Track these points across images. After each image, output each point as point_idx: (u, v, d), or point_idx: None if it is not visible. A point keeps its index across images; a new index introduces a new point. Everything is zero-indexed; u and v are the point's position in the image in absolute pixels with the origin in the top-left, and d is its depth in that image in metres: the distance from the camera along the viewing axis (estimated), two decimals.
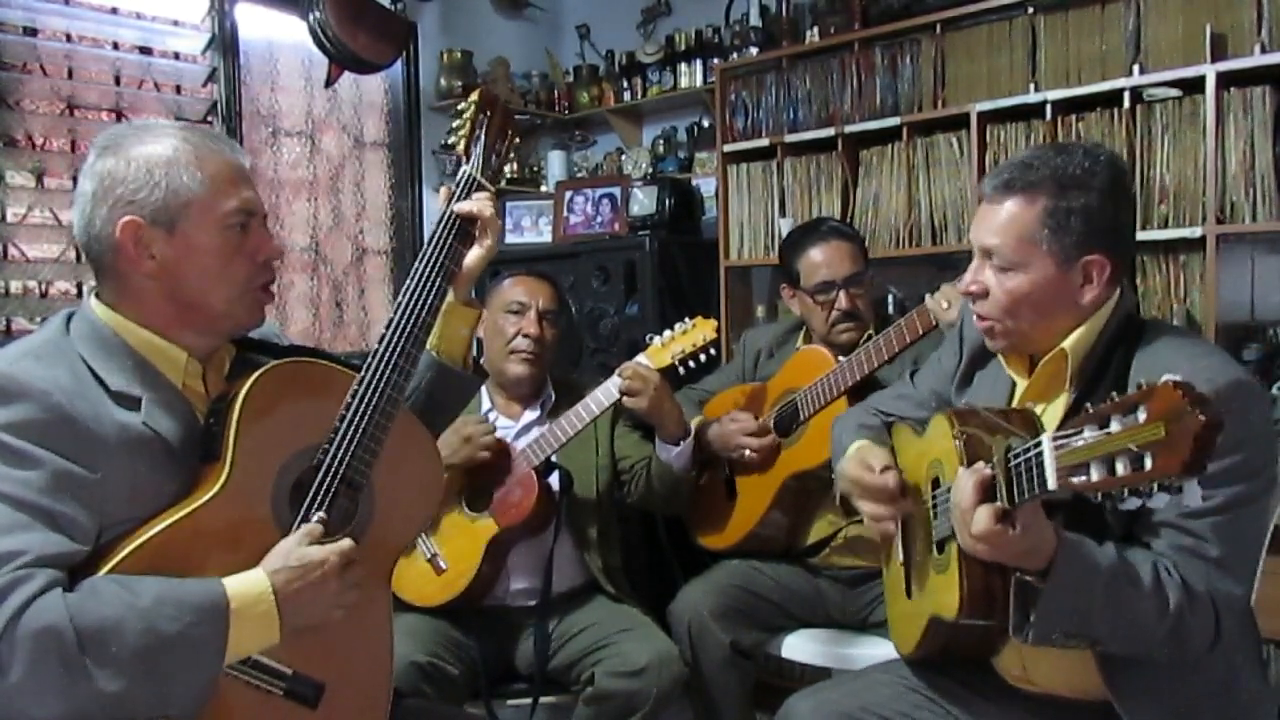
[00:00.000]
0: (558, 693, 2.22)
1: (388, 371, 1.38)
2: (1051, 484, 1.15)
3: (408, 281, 1.46)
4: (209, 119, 3.19)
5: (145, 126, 1.34)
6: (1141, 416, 1.03)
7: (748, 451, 2.36)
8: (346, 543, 1.29)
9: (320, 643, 1.31)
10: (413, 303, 1.44)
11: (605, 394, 2.25)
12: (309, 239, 3.60)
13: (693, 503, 2.54)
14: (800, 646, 2.29)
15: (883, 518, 1.62)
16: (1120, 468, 1.05)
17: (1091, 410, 1.11)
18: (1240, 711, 1.42)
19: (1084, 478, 1.10)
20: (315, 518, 1.31)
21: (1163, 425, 1.00)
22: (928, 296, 2.14)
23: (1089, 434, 1.10)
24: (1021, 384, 1.56)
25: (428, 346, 1.51)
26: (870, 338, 2.29)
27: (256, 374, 1.31)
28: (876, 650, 2.09)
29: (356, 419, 1.35)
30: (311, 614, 1.26)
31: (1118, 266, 1.46)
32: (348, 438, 1.35)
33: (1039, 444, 1.18)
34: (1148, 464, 1.02)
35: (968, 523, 1.28)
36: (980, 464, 1.31)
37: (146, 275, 1.30)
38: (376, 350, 1.40)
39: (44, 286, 2.86)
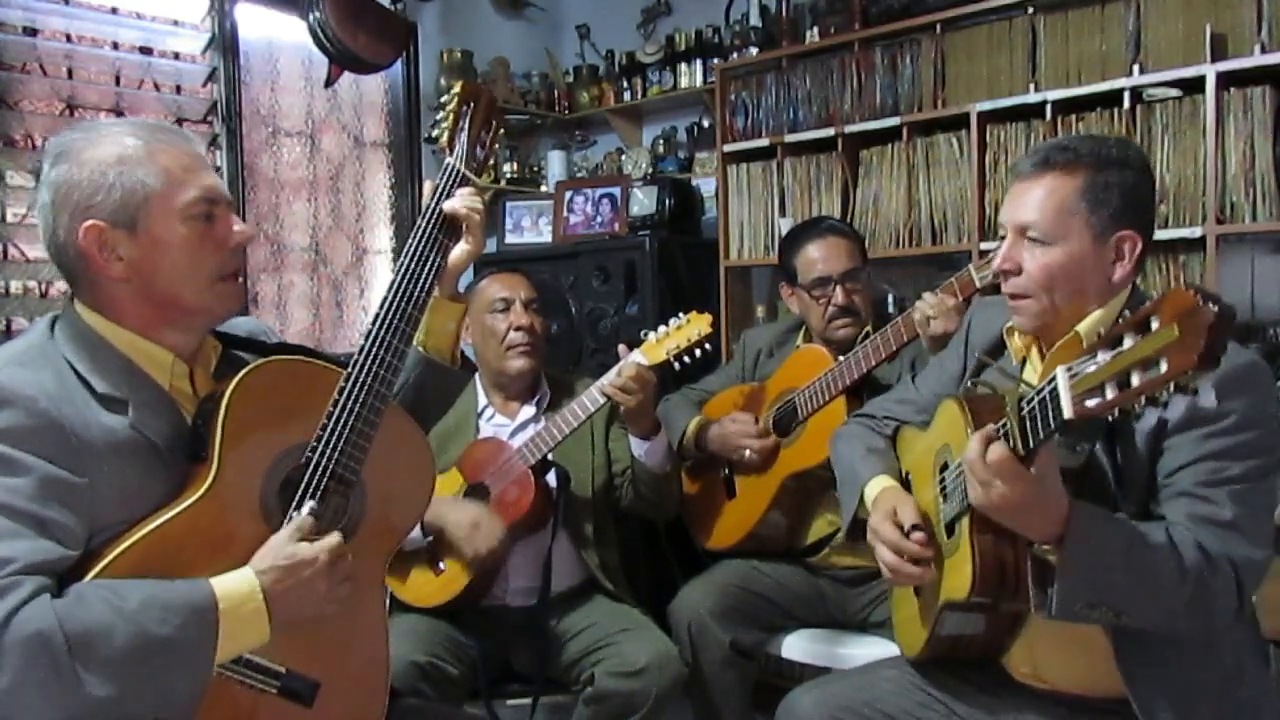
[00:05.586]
0: (558, 693, 2.22)
1: (375, 367, 1.38)
2: (1068, 412, 1.15)
3: (393, 277, 1.45)
4: (209, 119, 3.19)
5: (94, 128, 1.31)
6: (1155, 325, 1.04)
7: (748, 452, 2.36)
8: (335, 538, 1.28)
9: (315, 640, 1.30)
10: (399, 298, 1.43)
11: (600, 391, 2.24)
12: (309, 239, 3.59)
13: (692, 503, 2.54)
14: (800, 646, 2.29)
15: (901, 579, 1.59)
16: (1135, 378, 1.05)
17: (1101, 336, 1.12)
18: (1246, 703, 1.42)
19: (1099, 399, 1.10)
20: (306, 508, 1.30)
21: (1176, 325, 1.01)
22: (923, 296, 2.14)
23: (1102, 357, 1.11)
24: (1031, 371, 1.56)
25: (415, 342, 1.50)
26: (868, 336, 2.29)
27: (242, 373, 1.31)
28: (876, 650, 2.09)
29: (344, 415, 1.35)
30: (301, 611, 1.25)
31: (1145, 247, 1.48)
32: (336, 434, 1.34)
33: (1053, 379, 1.18)
34: (1163, 367, 1.02)
35: (979, 470, 1.27)
36: (989, 426, 1.30)
37: (117, 278, 1.29)
38: (363, 346, 1.39)
39: (44, 286, 2.85)
